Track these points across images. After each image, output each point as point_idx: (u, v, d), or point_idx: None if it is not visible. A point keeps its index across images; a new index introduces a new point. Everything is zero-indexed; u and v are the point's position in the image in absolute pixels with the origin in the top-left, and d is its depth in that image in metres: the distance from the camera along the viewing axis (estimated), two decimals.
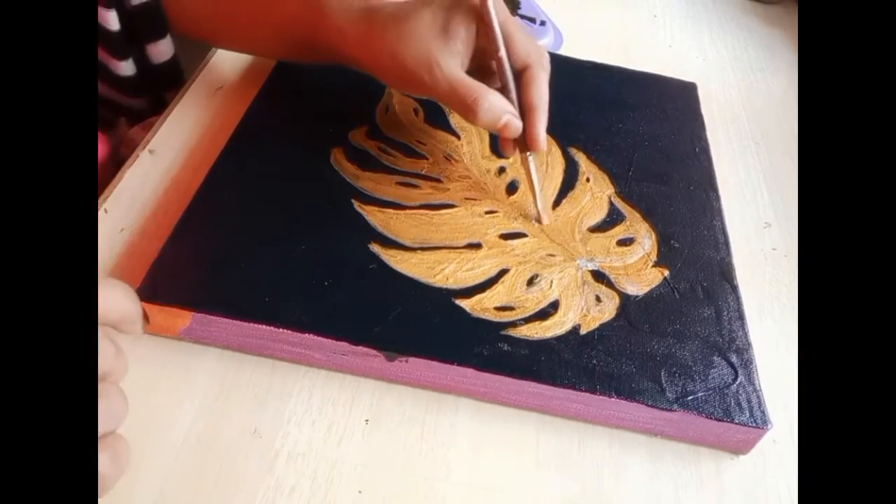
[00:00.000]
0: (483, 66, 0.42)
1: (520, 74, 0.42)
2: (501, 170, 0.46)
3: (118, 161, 0.51)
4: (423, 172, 0.45)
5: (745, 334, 0.38)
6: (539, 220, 0.43)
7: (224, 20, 0.49)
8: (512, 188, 0.45)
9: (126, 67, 0.49)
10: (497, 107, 0.40)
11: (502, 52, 0.41)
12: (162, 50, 0.49)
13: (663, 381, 0.35)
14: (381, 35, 0.41)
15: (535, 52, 0.42)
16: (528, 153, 0.42)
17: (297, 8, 0.45)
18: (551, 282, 0.39)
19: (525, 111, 0.41)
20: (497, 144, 0.48)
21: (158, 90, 0.53)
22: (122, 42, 0.48)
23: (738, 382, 0.36)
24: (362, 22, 0.42)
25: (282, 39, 0.47)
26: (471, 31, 0.41)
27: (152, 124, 0.52)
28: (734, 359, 0.37)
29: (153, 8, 0.48)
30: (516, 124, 0.41)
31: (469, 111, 0.40)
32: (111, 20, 0.46)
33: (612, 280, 0.40)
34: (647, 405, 0.34)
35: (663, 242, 0.43)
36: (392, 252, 0.39)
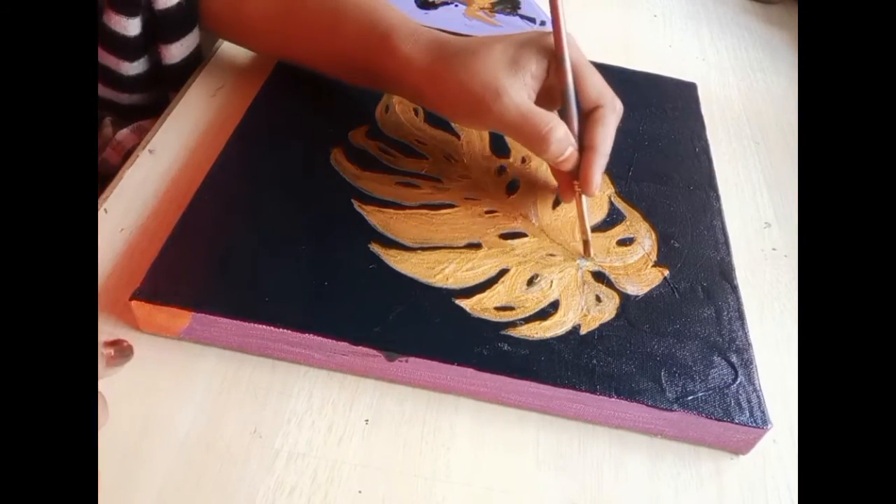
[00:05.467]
0: (547, 102, 0.41)
1: (588, 114, 0.41)
2: (501, 170, 0.46)
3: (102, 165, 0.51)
4: (423, 172, 0.45)
5: (745, 334, 0.38)
6: (587, 253, 0.41)
7: (285, 41, 0.48)
8: (512, 188, 0.45)
9: (132, 68, 0.49)
10: (567, 138, 0.39)
11: (570, 86, 0.40)
12: (174, 53, 0.49)
13: (663, 381, 0.35)
14: (450, 64, 0.40)
15: (607, 95, 0.41)
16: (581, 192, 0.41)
17: (361, 34, 0.44)
18: (551, 282, 0.39)
19: (584, 150, 0.40)
20: (497, 144, 0.48)
21: (165, 89, 0.52)
22: (136, 46, 0.48)
23: (738, 382, 0.36)
24: (431, 51, 0.41)
25: (343, 63, 0.46)
26: (541, 66, 0.40)
27: (143, 129, 0.52)
28: (734, 359, 0.37)
29: (177, 12, 0.47)
30: (576, 157, 0.40)
31: (541, 141, 0.39)
32: (131, 27, 0.46)
33: (612, 280, 0.40)
34: (647, 405, 0.34)
35: (663, 242, 0.43)
36: (392, 252, 0.39)
